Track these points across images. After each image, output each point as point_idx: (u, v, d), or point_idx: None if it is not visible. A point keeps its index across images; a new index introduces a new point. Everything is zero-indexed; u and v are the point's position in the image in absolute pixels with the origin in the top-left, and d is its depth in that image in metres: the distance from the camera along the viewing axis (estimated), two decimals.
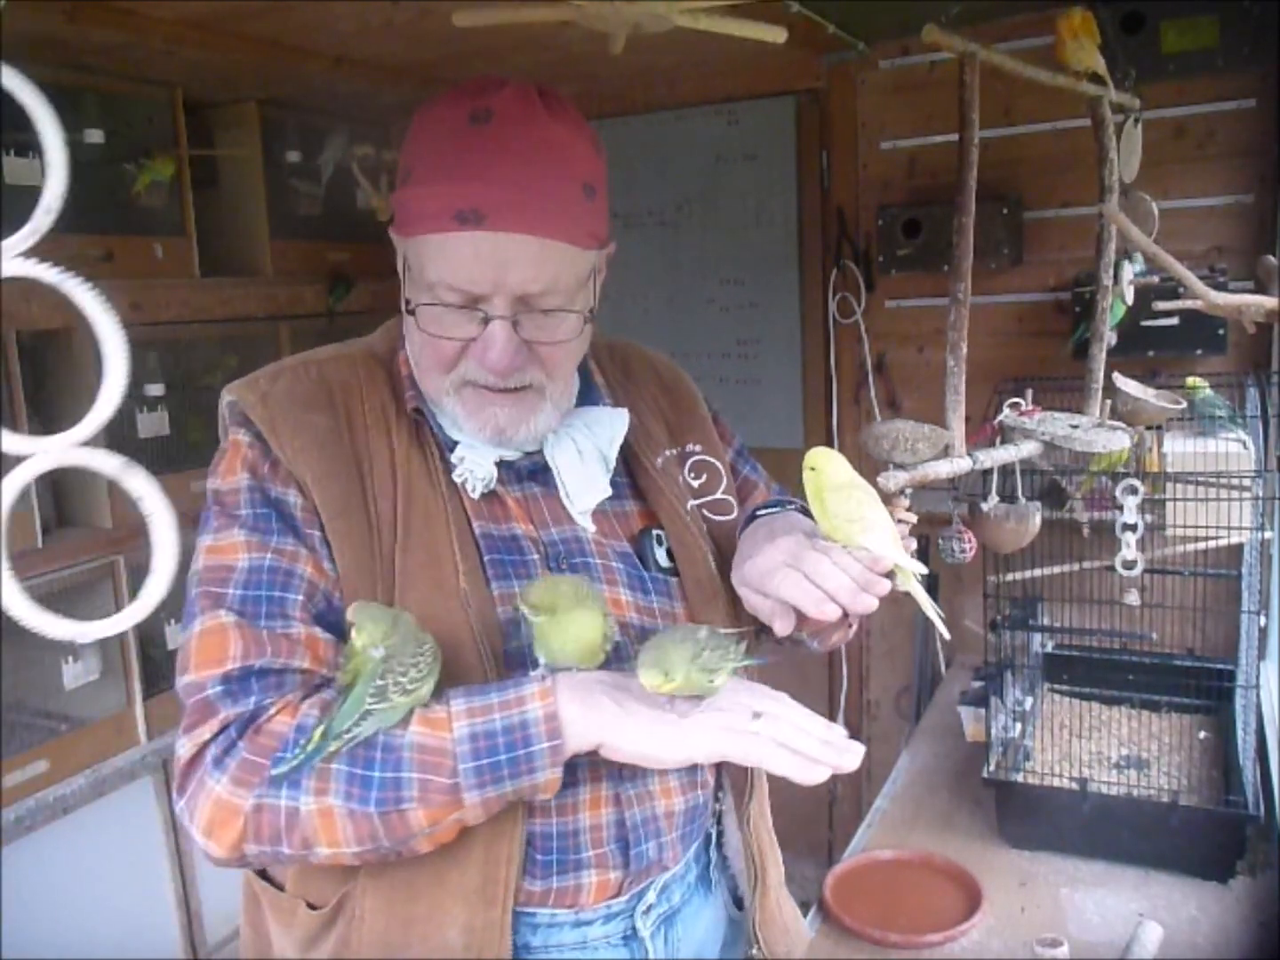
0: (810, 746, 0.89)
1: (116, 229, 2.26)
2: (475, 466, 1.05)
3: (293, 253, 2.65)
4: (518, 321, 0.99)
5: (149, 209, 2.35)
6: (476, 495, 1.06)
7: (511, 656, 1.01)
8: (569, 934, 1.05)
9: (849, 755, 0.90)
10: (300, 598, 0.98)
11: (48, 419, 2.17)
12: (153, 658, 2.32)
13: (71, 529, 2.22)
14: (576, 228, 1.00)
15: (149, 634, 2.32)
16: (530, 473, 1.10)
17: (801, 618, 1.00)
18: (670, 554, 1.13)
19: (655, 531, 1.14)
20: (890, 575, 0.98)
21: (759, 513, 1.16)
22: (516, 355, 1.00)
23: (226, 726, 0.93)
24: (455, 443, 1.07)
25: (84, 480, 2.19)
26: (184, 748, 0.94)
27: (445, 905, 0.98)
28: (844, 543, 0.98)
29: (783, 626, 0.99)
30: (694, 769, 1.10)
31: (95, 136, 2.22)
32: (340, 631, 0.98)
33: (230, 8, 1.87)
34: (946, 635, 1.07)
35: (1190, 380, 1.88)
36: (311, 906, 1.04)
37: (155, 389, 2.32)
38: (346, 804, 0.90)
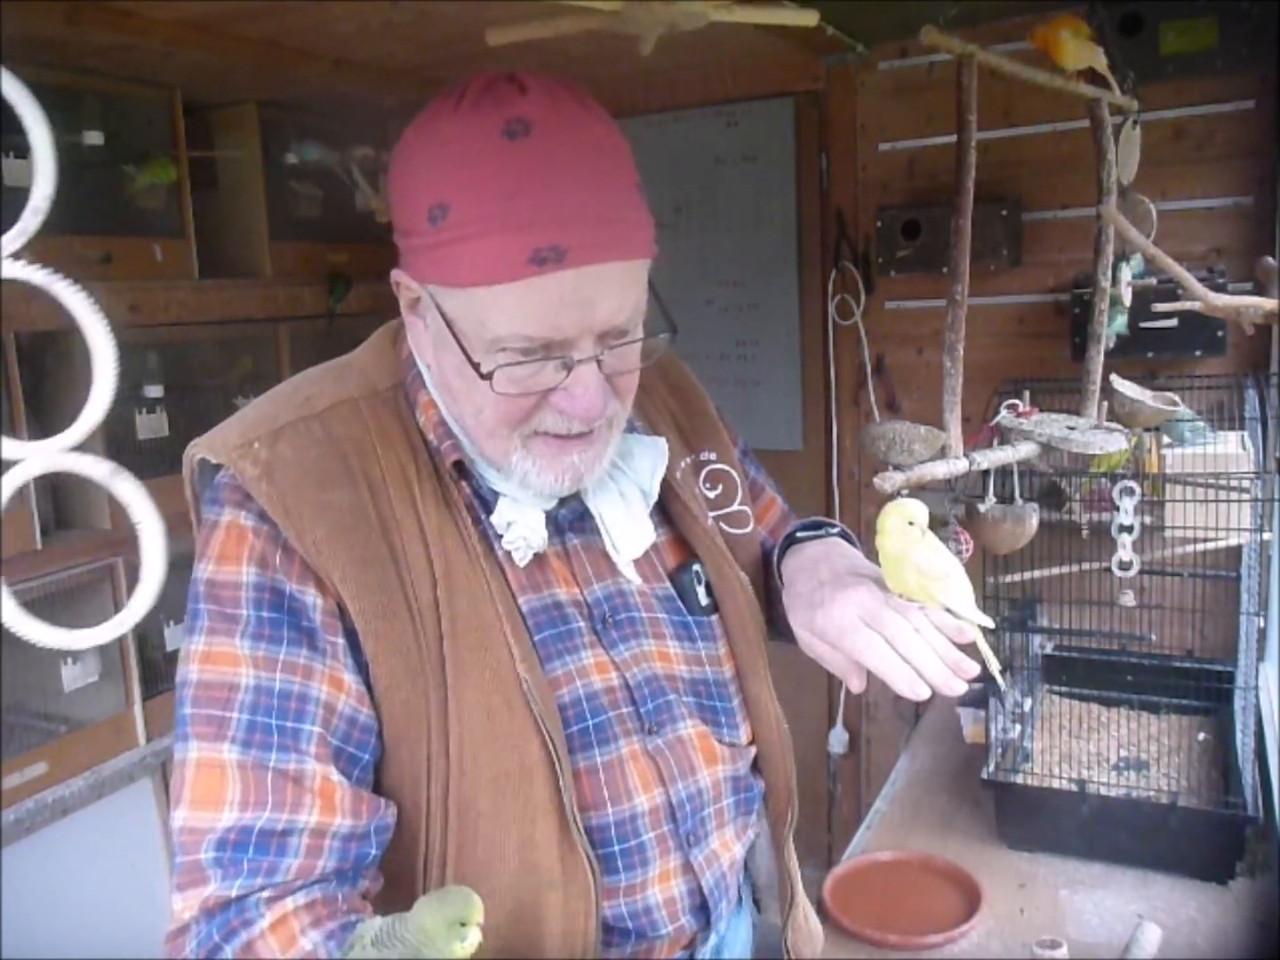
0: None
1: (115, 230, 2.26)
2: (529, 533, 0.93)
3: (292, 254, 2.64)
4: (600, 359, 0.87)
5: (148, 210, 2.35)
6: (524, 564, 0.94)
7: (573, 738, 0.94)
8: None
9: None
10: (317, 729, 0.86)
11: (46, 421, 2.16)
12: (151, 660, 2.32)
13: (70, 531, 2.22)
14: (645, 237, 0.88)
15: (148, 635, 2.32)
16: (569, 522, 1.00)
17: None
18: (708, 587, 1.06)
19: (694, 568, 1.06)
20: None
21: (798, 534, 1.10)
22: (604, 396, 0.89)
23: (210, 912, 0.82)
24: (495, 496, 0.95)
25: (83, 482, 2.15)
26: (176, 905, 0.84)
27: None
28: (922, 601, 0.93)
29: (858, 685, 0.94)
30: (748, 811, 1.08)
31: (94, 138, 2.22)
32: (365, 751, 0.89)
33: (230, 9, 1.87)
34: (1003, 686, 1.07)
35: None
36: None
37: (154, 390, 2.32)
38: None
